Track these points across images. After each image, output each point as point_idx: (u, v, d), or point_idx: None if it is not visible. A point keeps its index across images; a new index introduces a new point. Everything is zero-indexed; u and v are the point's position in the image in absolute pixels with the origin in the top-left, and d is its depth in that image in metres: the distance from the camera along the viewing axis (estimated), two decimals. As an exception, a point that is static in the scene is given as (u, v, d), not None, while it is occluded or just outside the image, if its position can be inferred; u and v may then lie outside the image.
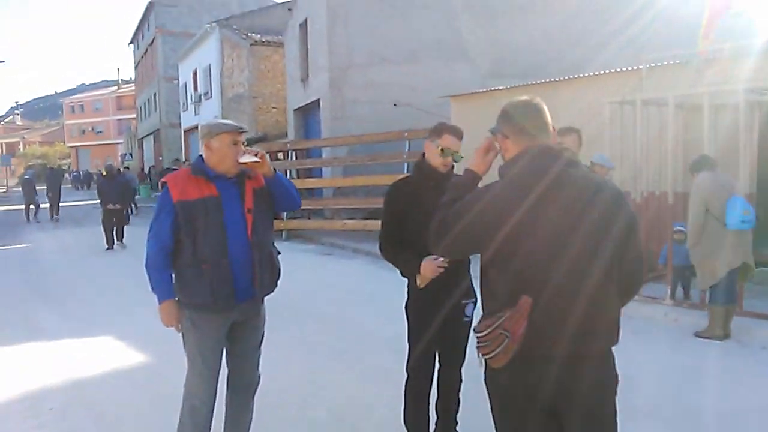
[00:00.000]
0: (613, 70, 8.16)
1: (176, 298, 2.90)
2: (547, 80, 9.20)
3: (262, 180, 3.01)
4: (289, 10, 18.16)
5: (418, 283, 3.06)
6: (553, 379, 1.84)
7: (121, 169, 19.41)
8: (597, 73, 8.35)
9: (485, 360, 1.91)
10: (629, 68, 7.82)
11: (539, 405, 1.89)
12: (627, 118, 6.83)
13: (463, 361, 3.24)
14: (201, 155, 2.97)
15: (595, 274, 1.85)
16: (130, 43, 45.11)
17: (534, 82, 9.51)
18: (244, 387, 3.13)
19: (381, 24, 14.48)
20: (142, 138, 44.10)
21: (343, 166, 13.48)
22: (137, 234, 14.13)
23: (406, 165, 11.63)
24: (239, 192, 2.93)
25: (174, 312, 2.88)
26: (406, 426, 3.28)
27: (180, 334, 2.98)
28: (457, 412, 3.32)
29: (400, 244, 3.11)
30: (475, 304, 3.22)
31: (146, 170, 37.18)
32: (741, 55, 6.77)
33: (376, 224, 12.64)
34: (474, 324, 1.99)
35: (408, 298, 3.22)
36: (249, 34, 21.84)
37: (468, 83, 13.65)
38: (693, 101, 6.54)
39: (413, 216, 3.04)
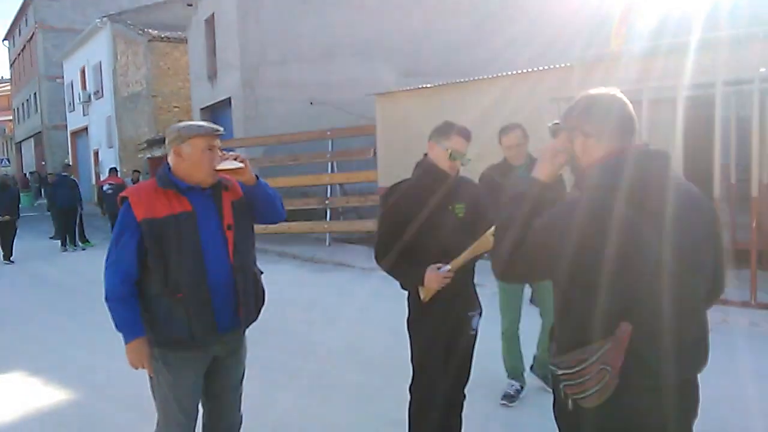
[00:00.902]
0: (544, 68, 8.25)
1: (146, 336, 2.41)
2: (480, 77, 9.18)
3: (239, 190, 2.57)
4: (189, 5, 17.12)
5: (422, 296, 2.76)
6: (656, 411, 1.60)
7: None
8: (528, 70, 8.41)
9: (574, 399, 1.63)
10: (560, 65, 7.91)
11: None
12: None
13: (468, 379, 2.97)
14: (168, 164, 2.48)
15: (697, 291, 1.64)
16: (4, 39, 41.07)
17: (465, 80, 9.46)
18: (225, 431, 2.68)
19: (295, 20, 13.96)
20: (20, 141, 40.32)
21: (259, 168, 12.85)
22: (23, 247, 12.80)
23: (329, 165, 11.26)
24: (216, 206, 2.48)
25: (145, 352, 2.39)
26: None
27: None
28: (459, 433, 3.05)
29: (400, 253, 2.79)
30: (480, 314, 2.97)
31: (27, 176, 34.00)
32: (673, 52, 7.01)
33: (299, 227, 12.19)
34: (558, 362, 1.66)
35: (410, 313, 2.90)
36: (146, 30, 20.43)
37: (385, 81, 13.52)
38: (631, 97, 6.71)
39: (416, 222, 2.73)
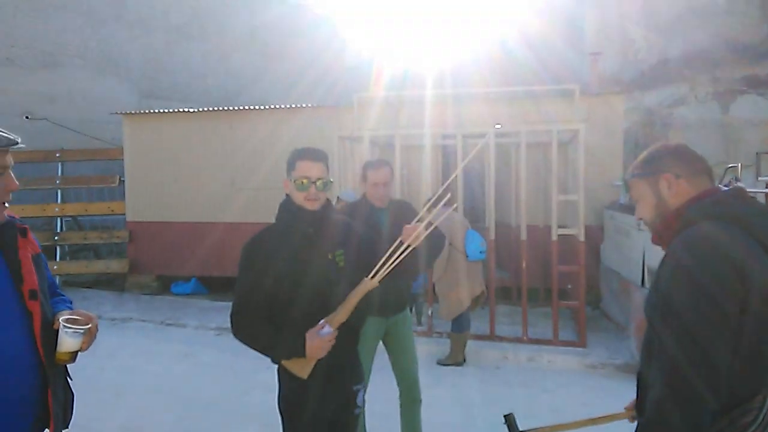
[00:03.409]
0: (324, 106, 8.24)
1: None
2: (254, 108, 8.69)
3: (35, 242, 1.74)
4: None
5: (302, 373, 2.18)
6: None
7: None
8: (316, 105, 8.34)
9: None
10: (342, 106, 7.96)
11: None
12: (348, 151, 6.90)
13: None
14: None
15: None
16: None
17: (234, 108, 8.82)
18: None
19: (4, 17, 11.51)
20: None
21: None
22: None
23: (59, 192, 9.37)
24: (7, 261, 1.62)
25: None
26: None
27: None
28: None
29: (266, 319, 2.22)
30: (365, 389, 2.51)
31: None
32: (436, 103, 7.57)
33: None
34: None
35: (282, 391, 2.30)
36: None
37: (123, 101, 12.03)
38: (409, 141, 7.04)
39: (286, 277, 2.20)
